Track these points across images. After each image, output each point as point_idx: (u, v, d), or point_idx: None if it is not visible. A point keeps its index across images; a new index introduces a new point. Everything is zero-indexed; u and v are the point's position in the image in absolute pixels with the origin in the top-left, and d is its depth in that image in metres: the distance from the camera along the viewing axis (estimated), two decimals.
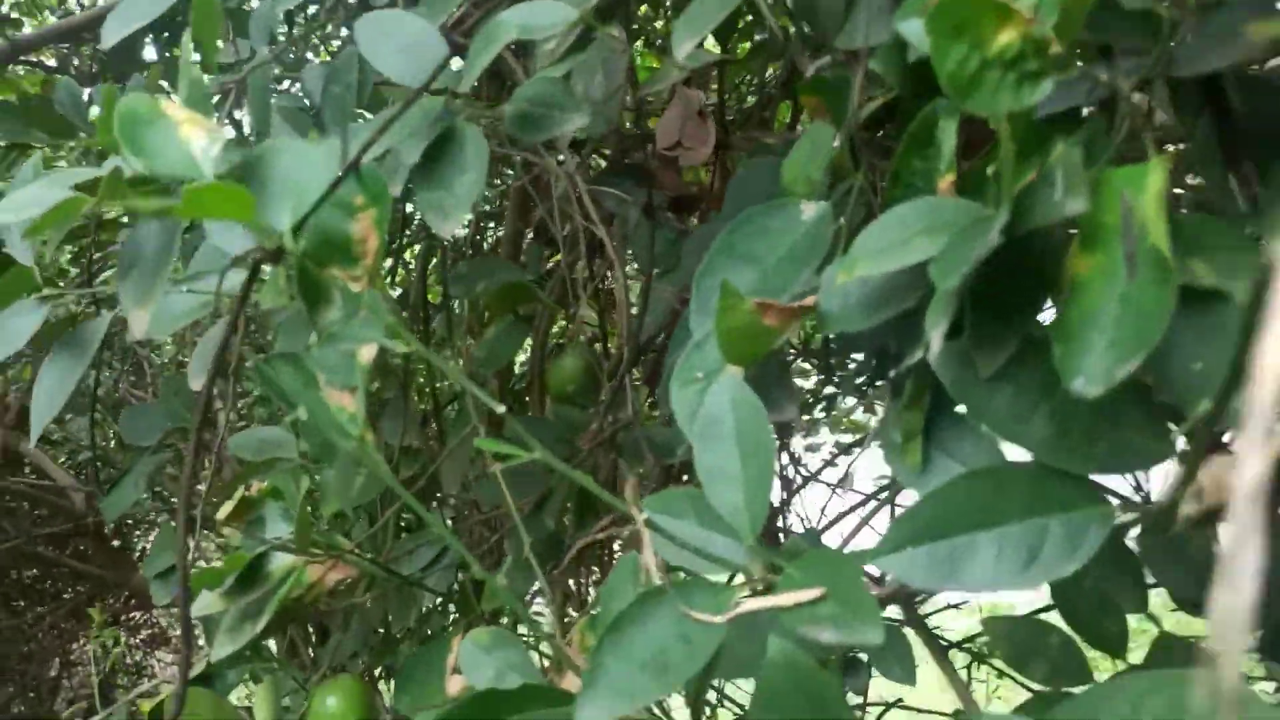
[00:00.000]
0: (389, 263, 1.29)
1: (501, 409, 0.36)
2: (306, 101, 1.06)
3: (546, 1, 0.50)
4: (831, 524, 1.06)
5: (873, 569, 0.42)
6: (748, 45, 1.45)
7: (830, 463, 1.23)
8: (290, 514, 0.58)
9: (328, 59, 1.47)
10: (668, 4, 1.43)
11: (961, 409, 0.40)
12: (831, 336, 0.48)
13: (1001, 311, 0.37)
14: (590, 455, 0.77)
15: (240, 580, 0.54)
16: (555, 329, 1.51)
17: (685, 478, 0.98)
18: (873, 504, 0.97)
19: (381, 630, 1.19)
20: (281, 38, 1.10)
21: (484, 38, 0.47)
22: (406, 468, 0.97)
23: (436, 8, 0.58)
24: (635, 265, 1.63)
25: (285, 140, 0.40)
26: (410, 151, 0.50)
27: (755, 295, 0.48)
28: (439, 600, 0.96)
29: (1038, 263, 0.37)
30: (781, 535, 1.02)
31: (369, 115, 0.89)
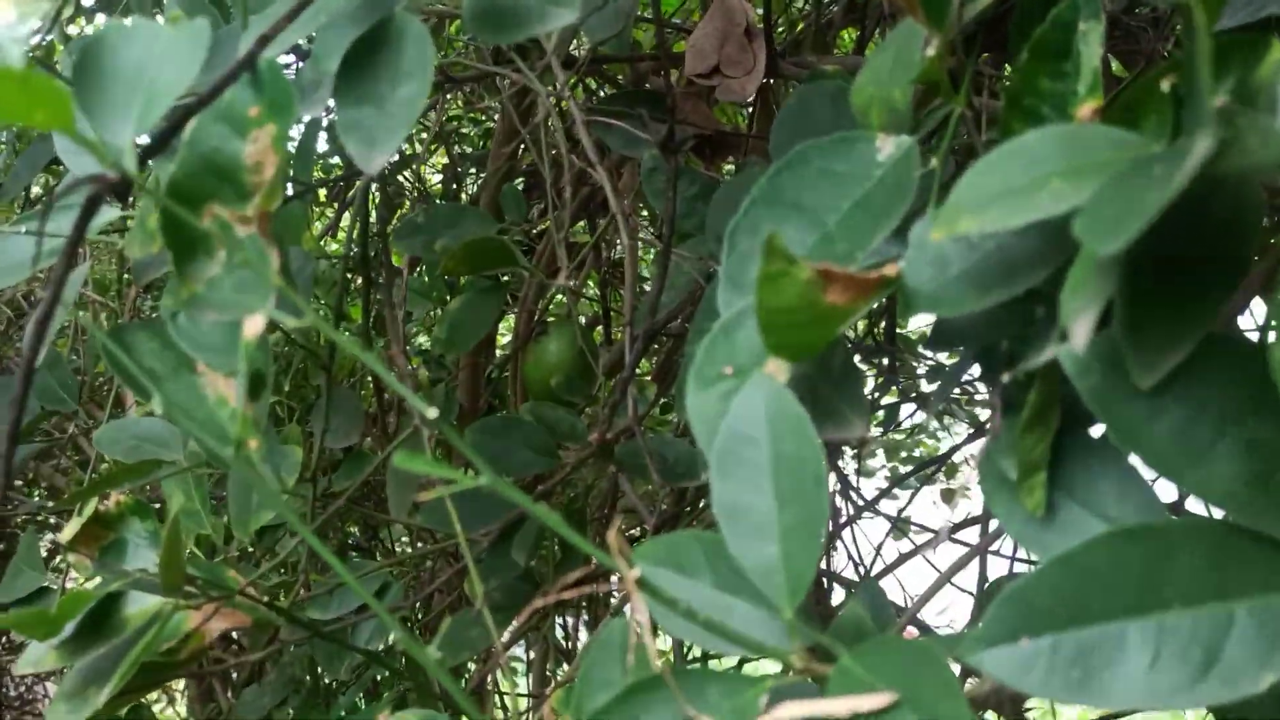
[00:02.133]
0: (329, 212, 1.23)
1: (432, 413, 0.30)
2: None
3: None
4: (892, 568, 1.00)
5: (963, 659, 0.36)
6: None
7: (888, 492, 1.17)
8: (159, 537, 0.52)
9: None
10: None
11: (1106, 434, 0.33)
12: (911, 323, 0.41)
13: (1171, 297, 0.31)
14: (579, 471, 0.71)
15: (86, 628, 0.48)
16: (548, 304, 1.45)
17: (705, 503, 0.92)
18: (954, 549, 0.91)
19: (310, 678, 1.13)
20: None
21: None
22: (346, 476, 0.92)
23: None
24: (649, 225, 1.57)
25: (133, 22, 0.33)
26: (331, 53, 0.44)
27: (778, 240, 0.42)
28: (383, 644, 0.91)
29: (1227, 228, 0.31)
30: (825, 581, 0.96)
31: None
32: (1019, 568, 0.92)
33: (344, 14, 0.43)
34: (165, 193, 0.36)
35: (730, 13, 0.96)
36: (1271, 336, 0.25)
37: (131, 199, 0.49)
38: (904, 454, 2.09)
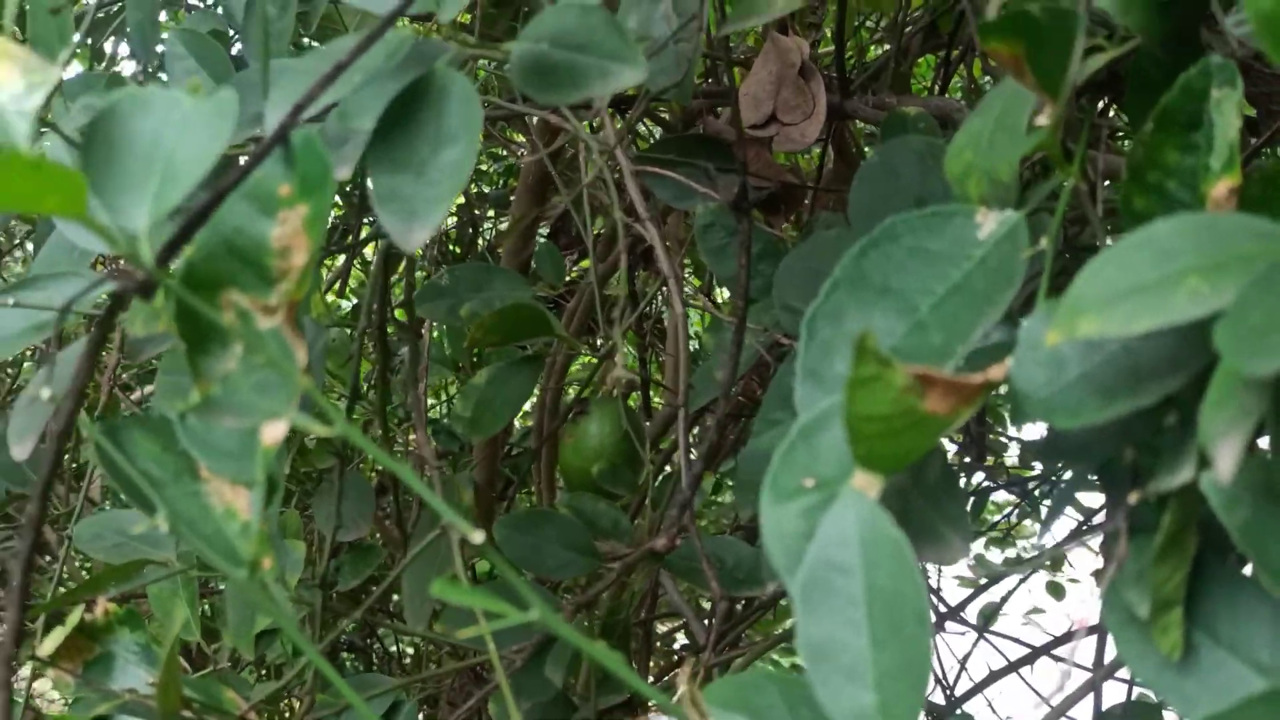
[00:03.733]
0: (336, 263, 1.25)
1: (479, 537, 0.31)
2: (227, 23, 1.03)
3: None
4: (980, 688, 0.99)
5: None
6: None
7: (981, 591, 1.16)
8: (153, 652, 0.53)
9: None
10: None
11: (1256, 572, 0.33)
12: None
13: None
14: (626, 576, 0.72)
15: None
16: (574, 370, 1.46)
17: (770, 614, 0.92)
18: (1056, 669, 0.90)
19: None
20: None
21: None
22: (353, 573, 0.92)
23: None
24: (691, 273, 1.57)
25: (152, 92, 0.35)
26: (364, 111, 0.45)
27: (904, 354, 0.42)
28: None
29: None
30: None
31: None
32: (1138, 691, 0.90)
33: (380, 75, 0.44)
34: (180, 276, 0.37)
35: (784, 53, 0.97)
36: None
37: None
38: (993, 536, 2.06)
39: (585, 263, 1.60)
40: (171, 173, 0.34)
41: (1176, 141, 0.40)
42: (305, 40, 0.99)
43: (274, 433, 0.37)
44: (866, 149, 1.16)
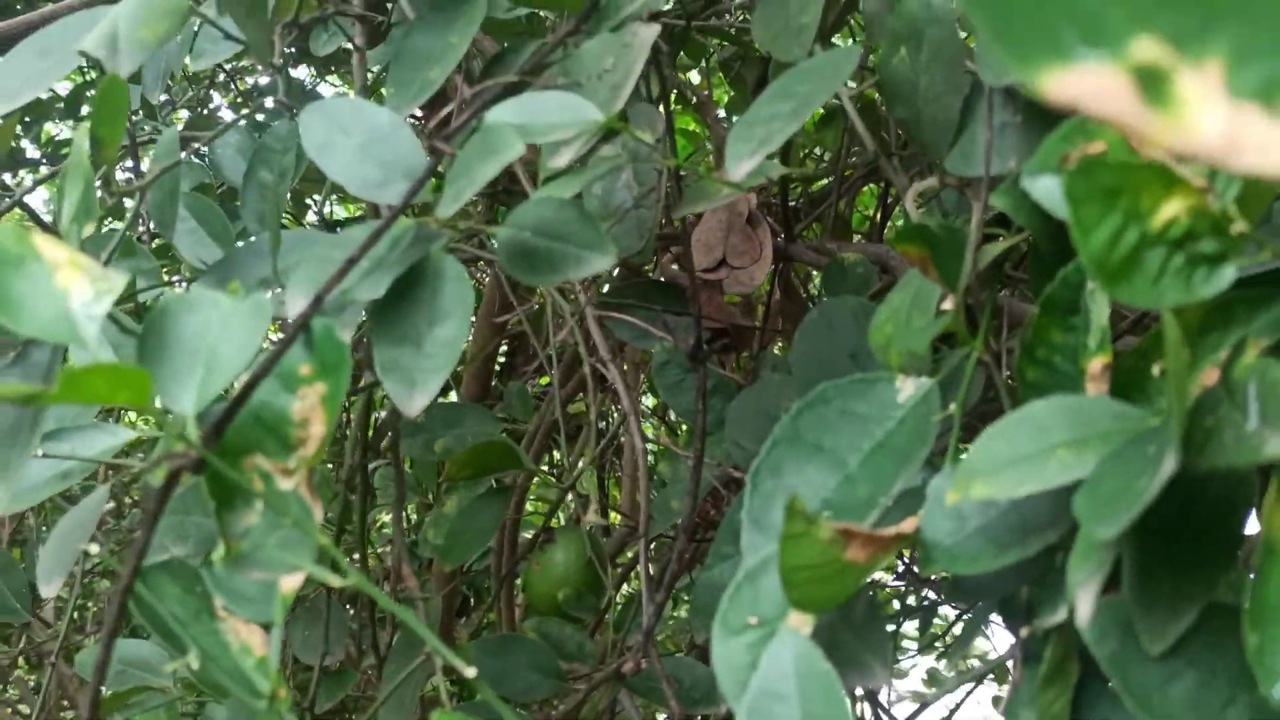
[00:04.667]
0: None
1: (472, 672, 0.37)
2: (212, 175, 1.10)
3: (557, 96, 0.53)
4: None
5: None
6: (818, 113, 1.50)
7: (924, 708, 1.21)
8: None
9: (245, 110, 1.53)
10: (711, 56, 1.50)
11: (1121, 696, 0.40)
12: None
13: (1173, 565, 0.38)
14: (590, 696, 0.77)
15: None
16: (533, 485, 1.51)
17: None
18: None
19: None
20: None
21: (478, 150, 0.49)
22: (329, 696, 0.96)
23: (406, 92, 0.62)
24: (647, 404, 1.64)
25: (197, 294, 0.41)
26: (365, 289, 0.52)
27: (835, 505, 0.49)
28: None
29: (1223, 503, 0.38)
30: None
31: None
32: None
33: (384, 260, 0.51)
34: (208, 449, 0.44)
35: (733, 202, 1.06)
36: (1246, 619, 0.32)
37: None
38: (940, 646, 2.11)
39: (544, 379, 1.67)
40: (214, 365, 0.40)
41: (1059, 323, 0.47)
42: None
43: (292, 582, 0.43)
44: (811, 286, 1.24)
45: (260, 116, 1.28)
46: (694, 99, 1.48)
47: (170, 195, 0.62)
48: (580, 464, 0.84)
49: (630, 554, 1.37)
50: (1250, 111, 0.19)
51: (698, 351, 0.80)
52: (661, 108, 0.75)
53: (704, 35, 1.20)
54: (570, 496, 1.05)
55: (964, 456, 0.41)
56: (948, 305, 0.48)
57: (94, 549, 0.47)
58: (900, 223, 1.62)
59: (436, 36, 0.63)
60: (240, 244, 0.66)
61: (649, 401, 1.85)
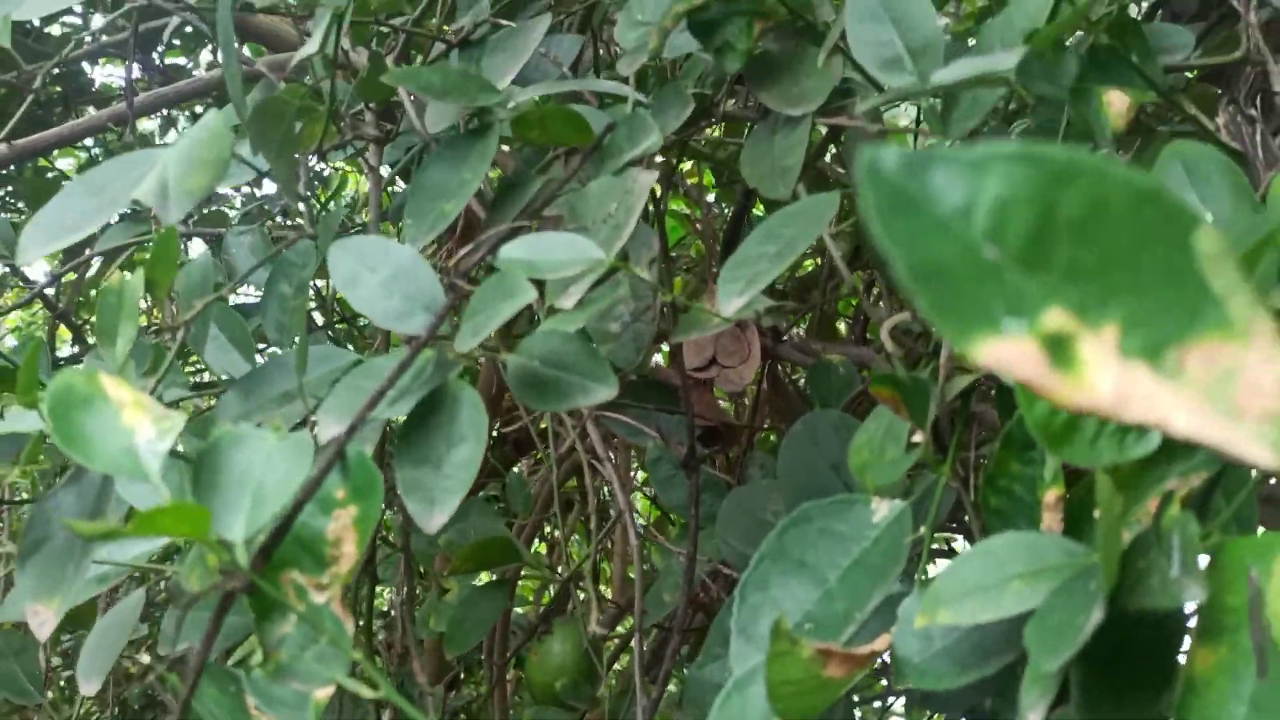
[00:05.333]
0: None
1: None
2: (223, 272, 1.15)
3: (564, 236, 0.58)
4: None
5: None
6: None
7: None
8: None
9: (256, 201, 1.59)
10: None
11: None
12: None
13: (1115, 687, 0.43)
14: None
15: None
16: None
17: None
18: None
19: None
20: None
21: (495, 291, 0.54)
22: None
23: (423, 223, 0.67)
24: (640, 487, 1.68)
25: (250, 430, 0.46)
26: (392, 412, 0.57)
27: (816, 618, 0.53)
28: None
29: (1158, 632, 0.43)
30: None
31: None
32: None
33: (406, 388, 0.56)
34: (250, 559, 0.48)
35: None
36: None
37: None
38: None
39: (539, 455, 1.72)
40: (261, 496, 0.45)
41: (1018, 457, 0.52)
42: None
43: (325, 692, 0.48)
44: (796, 374, 1.29)
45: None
46: (683, 189, 1.54)
47: (204, 320, 0.67)
48: (575, 550, 0.89)
49: (621, 629, 1.41)
50: (1138, 369, 0.24)
51: (690, 459, 0.85)
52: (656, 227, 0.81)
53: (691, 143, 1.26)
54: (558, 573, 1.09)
55: (931, 581, 0.46)
56: (918, 439, 0.53)
57: (144, 659, 0.52)
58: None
59: (451, 172, 0.69)
60: (265, 359, 0.70)
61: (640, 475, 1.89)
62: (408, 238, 0.66)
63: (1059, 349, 0.24)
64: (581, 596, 0.83)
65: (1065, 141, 0.66)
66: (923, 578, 0.54)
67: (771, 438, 1.23)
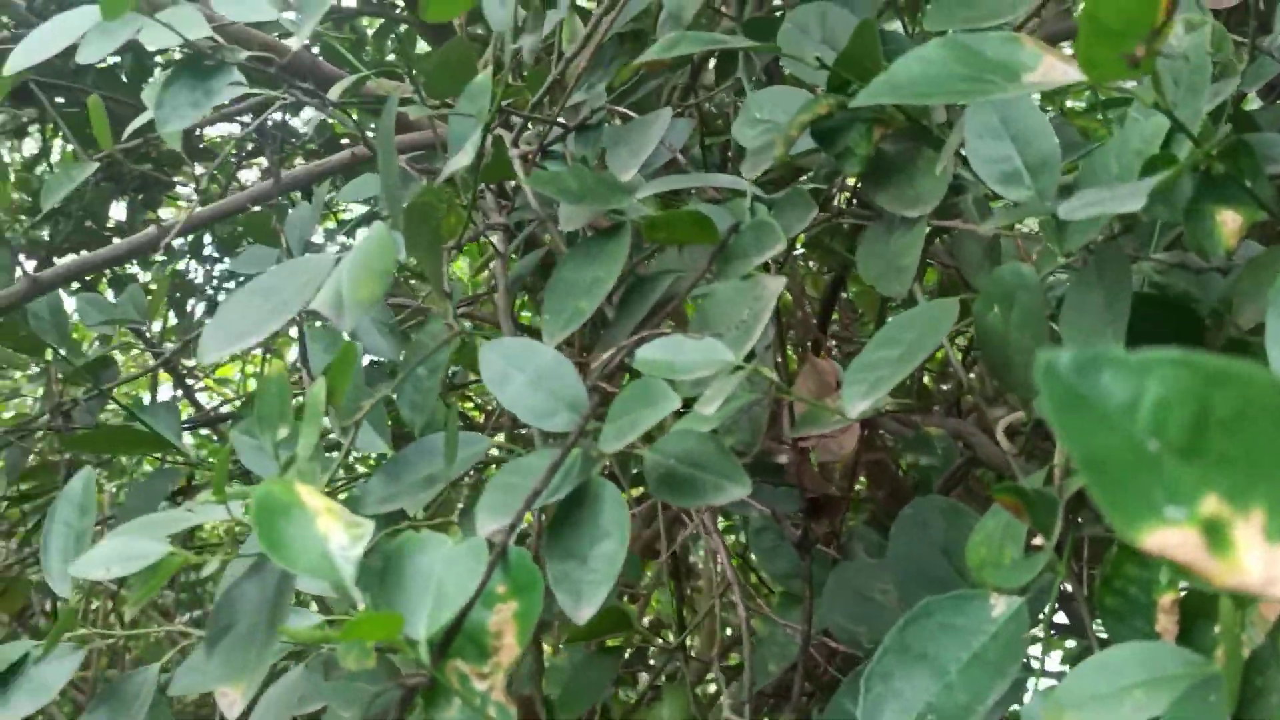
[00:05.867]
0: None
1: None
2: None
3: (696, 340, 0.63)
4: None
5: None
6: None
7: None
8: None
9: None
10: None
11: None
12: None
13: None
14: None
15: None
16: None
17: None
18: None
19: None
20: None
21: (639, 396, 0.59)
22: None
23: (559, 320, 0.71)
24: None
25: (426, 536, 0.51)
26: (542, 503, 0.61)
27: (938, 709, 0.57)
28: None
29: None
30: None
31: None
32: None
33: (554, 488, 0.60)
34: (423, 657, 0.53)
35: (821, 374, 1.15)
36: None
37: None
38: None
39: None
40: (442, 598, 0.49)
41: (1134, 560, 0.55)
42: None
43: None
44: (895, 448, 1.32)
45: None
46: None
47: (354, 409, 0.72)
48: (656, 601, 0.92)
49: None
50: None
51: (805, 540, 0.89)
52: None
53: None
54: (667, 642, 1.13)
55: (1054, 688, 0.49)
56: (1039, 542, 0.57)
57: None
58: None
59: (584, 271, 0.73)
60: (411, 445, 0.75)
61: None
62: (546, 334, 0.71)
63: (1216, 534, 0.27)
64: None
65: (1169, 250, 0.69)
66: (1038, 672, 0.57)
67: (870, 508, 1.26)
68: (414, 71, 0.94)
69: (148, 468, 1.73)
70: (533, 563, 0.53)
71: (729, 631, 1.22)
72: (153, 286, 1.60)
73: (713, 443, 0.61)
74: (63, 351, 1.23)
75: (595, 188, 0.74)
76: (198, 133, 2.14)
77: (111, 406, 1.39)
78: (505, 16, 0.79)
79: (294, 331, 2.88)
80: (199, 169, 1.31)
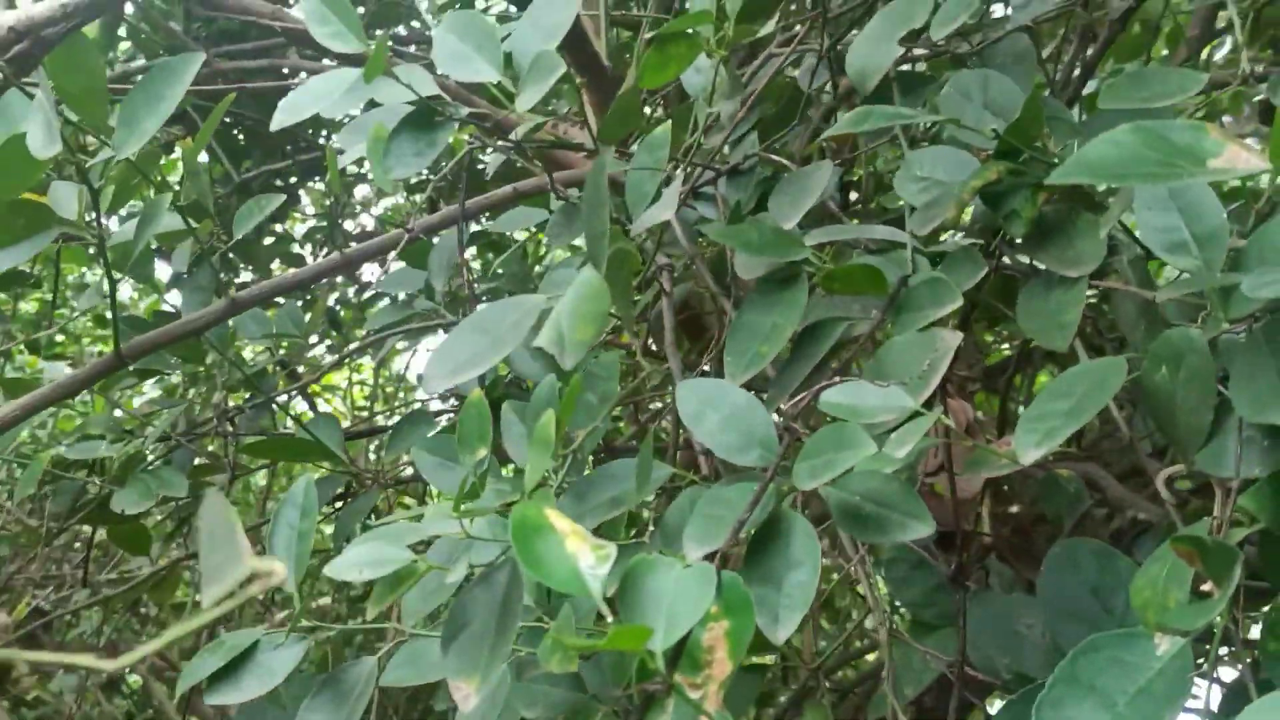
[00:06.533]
0: None
1: None
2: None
3: (878, 388, 0.69)
4: None
5: None
6: None
7: None
8: None
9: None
10: None
11: None
12: None
13: None
14: None
15: None
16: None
17: None
18: None
19: None
20: None
21: (833, 439, 0.65)
22: None
23: (740, 361, 0.78)
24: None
25: (660, 559, 0.58)
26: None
27: None
28: None
29: None
30: None
31: None
32: None
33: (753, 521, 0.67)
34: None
35: (954, 414, 1.21)
36: None
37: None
38: None
39: None
40: (674, 617, 0.56)
41: None
42: None
43: None
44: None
45: None
46: None
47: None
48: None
49: None
50: None
51: (958, 575, 0.94)
52: None
53: None
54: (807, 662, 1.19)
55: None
56: (1209, 588, 0.62)
57: None
58: None
59: (765, 316, 0.80)
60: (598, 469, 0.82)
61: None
62: (729, 374, 0.77)
63: None
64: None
65: None
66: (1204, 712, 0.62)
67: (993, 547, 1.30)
68: (586, 119, 1.01)
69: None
70: (744, 586, 0.59)
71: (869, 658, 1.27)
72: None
73: (898, 483, 0.67)
74: (228, 361, 1.33)
75: (773, 240, 0.81)
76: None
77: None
78: (702, 82, 0.86)
79: (401, 344, 2.97)
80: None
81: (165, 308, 1.39)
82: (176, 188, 1.10)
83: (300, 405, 2.04)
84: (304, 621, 0.75)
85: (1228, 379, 0.66)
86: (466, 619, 0.64)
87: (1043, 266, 0.82)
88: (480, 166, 1.73)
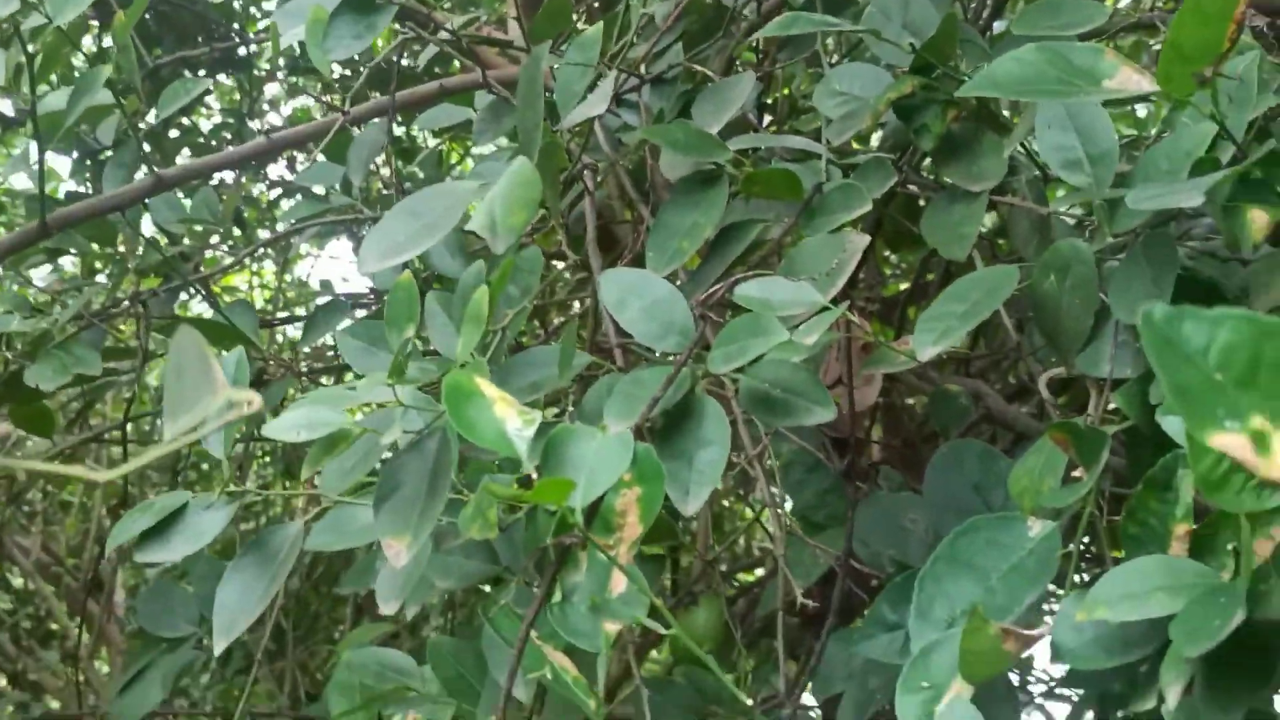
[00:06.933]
0: None
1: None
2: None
3: (790, 283, 0.74)
4: None
5: None
6: None
7: None
8: None
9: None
10: None
11: None
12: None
13: (1231, 678, 0.58)
14: None
15: None
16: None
17: None
18: None
19: None
20: None
21: (748, 327, 0.70)
22: None
23: (662, 258, 0.82)
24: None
25: (582, 427, 0.62)
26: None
27: (980, 609, 0.69)
28: None
29: (1268, 639, 0.58)
30: None
31: None
32: None
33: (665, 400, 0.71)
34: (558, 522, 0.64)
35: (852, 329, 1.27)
36: None
37: None
38: None
39: None
40: (592, 479, 0.60)
41: (1157, 496, 0.67)
42: None
43: (615, 626, 0.63)
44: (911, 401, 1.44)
45: None
46: None
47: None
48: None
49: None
50: None
51: (848, 471, 1.00)
52: None
53: None
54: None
55: (1089, 586, 0.61)
56: (1079, 474, 0.68)
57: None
58: None
59: (686, 215, 0.84)
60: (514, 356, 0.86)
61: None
62: (651, 267, 0.82)
63: (1261, 441, 0.39)
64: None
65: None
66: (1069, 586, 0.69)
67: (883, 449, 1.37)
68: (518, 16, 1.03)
69: None
70: (656, 457, 0.64)
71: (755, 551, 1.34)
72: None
73: (805, 371, 0.73)
74: (146, 241, 1.33)
75: (699, 142, 0.85)
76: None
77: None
78: None
79: (304, 249, 2.94)
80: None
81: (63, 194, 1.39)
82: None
83: (201, 306, 2.04)
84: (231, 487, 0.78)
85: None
86: (398, 482, 0.68)
87: (949, 182, 0.87)
88: (407, 62, 1.74)
